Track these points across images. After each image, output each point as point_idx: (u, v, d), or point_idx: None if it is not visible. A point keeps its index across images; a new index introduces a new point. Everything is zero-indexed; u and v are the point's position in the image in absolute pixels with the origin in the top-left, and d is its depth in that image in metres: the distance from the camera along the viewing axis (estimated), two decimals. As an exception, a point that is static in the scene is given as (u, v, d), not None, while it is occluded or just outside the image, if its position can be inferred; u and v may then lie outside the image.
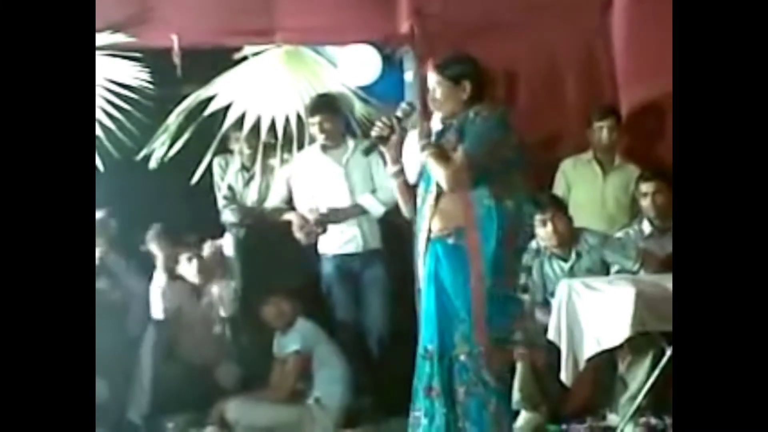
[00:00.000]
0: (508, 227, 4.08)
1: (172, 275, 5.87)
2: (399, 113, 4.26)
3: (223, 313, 5.86)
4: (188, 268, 5.89)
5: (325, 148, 5.71)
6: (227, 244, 6.02)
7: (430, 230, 4.16)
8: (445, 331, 4.11)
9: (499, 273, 4.07)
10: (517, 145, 4.20)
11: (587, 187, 5.73)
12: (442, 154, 4.11)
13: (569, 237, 5.24)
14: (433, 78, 4.22)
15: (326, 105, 5.74)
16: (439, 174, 4.09)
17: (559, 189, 5.78)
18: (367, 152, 4.47)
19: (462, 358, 4.10)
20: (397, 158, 4.27)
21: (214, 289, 5.92)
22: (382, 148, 4.29)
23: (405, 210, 4.40)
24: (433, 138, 4.19)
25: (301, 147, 5.90)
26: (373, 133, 4.27)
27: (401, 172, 4.27)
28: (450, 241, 4.11)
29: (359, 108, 6.09)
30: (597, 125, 5.75)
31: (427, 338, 4.18)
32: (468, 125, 4.10)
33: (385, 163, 4.40)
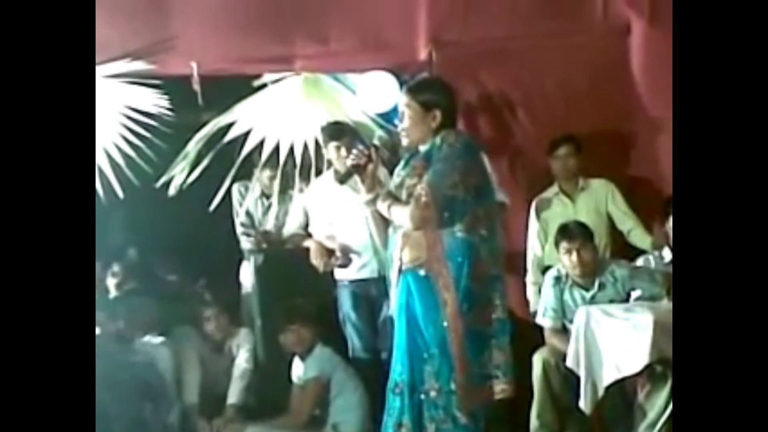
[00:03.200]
0: (481, 258, 4.05)
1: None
2: (376, 142, 4.27)
3: (245, 364, 5.84)
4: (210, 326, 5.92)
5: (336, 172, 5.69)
6: (245, 270, 6.03)
7: (401, 260, 4.13)
8: (415, 366, 4.08)
9: (473, 306, 4.04)
10: (486, 172, 4.20)
11: (560, 220, 5.53)
12: (398, 198, 4.10)
13: (594, 268, 5.19)
14: (403, 100, 4.21)
15: (341, 132, 5.73)
16: (402, 216, 4.07)
17: (533, 229, 5.74)
18: (342, 180, 4.46)
19: (432, 394, 4.07)
20: (372, 187, 4.26)
21: (235, 343, 5.92)
22: (357, 177, 4.27)
23: (377, 239, 4.40)
24: (398, 170, 4.17)
25: (319, 173, 5.90)
26: (349, 161, 4.28)
27: (374, 200, 4.24)
28: (421, 272, 4.07)
29: (378, 135, 6.09)
30: (556, 154, 5.70)
31: (397, 372, 4.16)
32: (435, 152, 4.07)
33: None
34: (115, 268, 6.36)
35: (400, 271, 4.17)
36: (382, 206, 4.20)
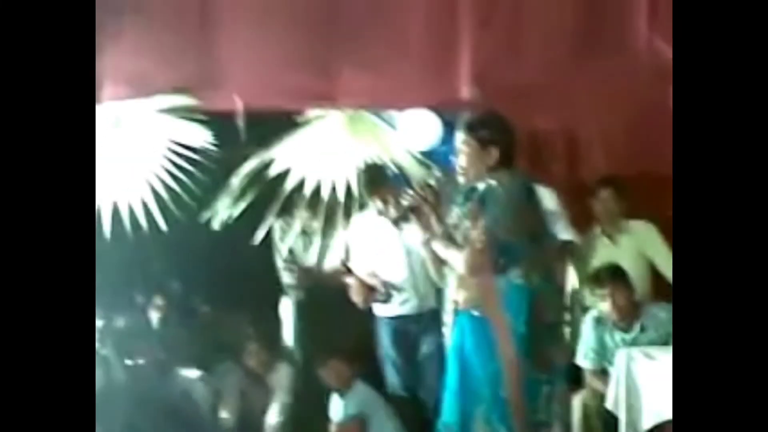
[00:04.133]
0: (539, 304, 3.98)
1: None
2: (431, 182, 4.23)
3: (284, 399, 5.85)
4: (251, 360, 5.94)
5: (382, 213, 5.70)
6: (286, 305, 6.05)
7: (456, 301, 4.10)
8: (467, 409, 4.02)
9: (531, 352, 3.96)
10: (542, 214, 4.14)
11: (602, 262, 5.48)
12: (453, 240, 4.05)
13: (630, 310, 5.14)
14: (460, 137, 4.17)
15: (378, 179, 5.73)
16: (457, 260, 4.02)
17: (579, 270, 5.66)
18: (397, 222, 4.43)
19: None
20: (428, 227, 4.17)
21: (275, 377, 5.94)
22: (413, 217, 4.25)
23: (436, 279, 4.35)
24: (455, 210, 4.12)
25: (361, 207, 5.91)
26: (405, 202, 4.24)
27: (430, 241, 4.18)
28: (476, 313, 4.02)
29: (435, 175, 6.07)
30: (599, 196, 5.66)
31: (447, 414, 4.09)
32: (490, 195, 4.00)
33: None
34: (158, 300, 6.43)
35: (455, 311, 4.15)
36: (437, 247, 4.16)
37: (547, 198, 5.31)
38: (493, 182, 4.05)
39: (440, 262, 4.22)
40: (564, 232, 5.44)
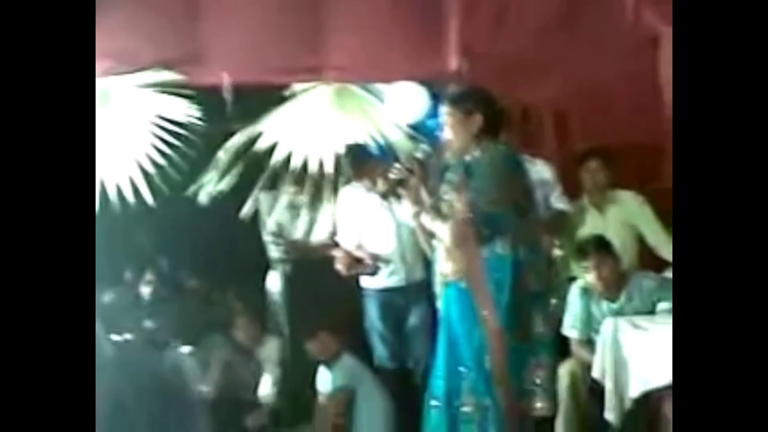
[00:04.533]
0: (523, 275, 4.01)
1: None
2: (419, 155, 4.25)
3: (269, 373, 5.87)
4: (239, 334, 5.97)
5: (369, 186, 5.69)
6: (273, 279, 6.06)
7: (444, 274, 4.13)
8: (452, 380, 4.07)
9: (514, 323, 4.00)
10: (529, 185, 4.16)
11: (590, 232, 5.47)
12: (439, 212, 4.08)
13: (616, 281, 5.14)
14: (444, 110, 4.20)
15: (360, 156, 5.74)
16: (442, 231, 4.05)
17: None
18: (385, 196, 4.45)
19: (467, 409, 4.05)
20: (417, 200, 4.21)
21: (263, 350, 5.96)
22: (402, 191, 4.26)
23: (426, 251, 4.39)
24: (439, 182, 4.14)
25: (347, 182, 5.91)
26: (392, 175, 4.26)
27: (419, 214, 4.21)
28: (462, 285, 4.05)
29: (421, 148, 6.08)
30: (586, 166, 5.66)
31: (435, 385, 4.15)
32: (475, 166, 4.04)
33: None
34: (146, 275, 6.43)
35: (443, 283, 4.17)
36: (426, 219, 4.18)
37: (542, 169, 5.36)
38: (477, 154, 4.05)
39: (430, 235, 4.25)
40: (558, 202, 5.48)
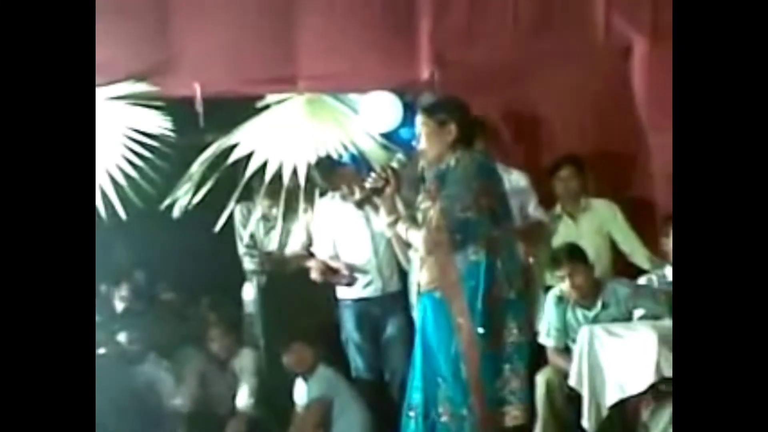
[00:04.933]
0: (496, 282, 4.02)
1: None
2: (394, 164, 4.26)
3: (245, 383, 5.84)
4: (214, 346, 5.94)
5: (344, 197, 5.68)
6: (248, 291, 6.04)
7: (419, 283, 4.13)
8: (429, 389, 4.07)
9: (488, 331, 4.00)
10: (504, 193, 4.17)
11: (563, 241, 5.51)
12: (414, 221, 4.09)
13: (590, 289, 5.17)
14: (419, 120, 4.20)
15: (331, 168, 5.74)
16: (416, 240, 4.06)
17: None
18: (360, 205, 4.44)
19: (444, 418, 4.05)
20: (392, 209, 4.22)
21: (238, 363, 5.93)
22: (377, 200, 4.26)
23: (402, 261, 4.40)
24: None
25: (323, 194, 5.90)
26: (367, 184, 4.25)
27: (394, 223, 4.21)
28: (437, 295, 4.06)
29: (397, 157, 6.08)
30: (559, 175, 5.69)
31: (412, 395, 4.15)
32: (449, 173, 4.05)
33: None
34: (120, 289, 6.39)
35: (419, 293, 4.16)
36: (401, 229, 4.18)
37: (518, 178, 5.38)
38: (452, 161, 4.06)
39: (406, 245, 4.25)
40: (535, 212, 5.50)
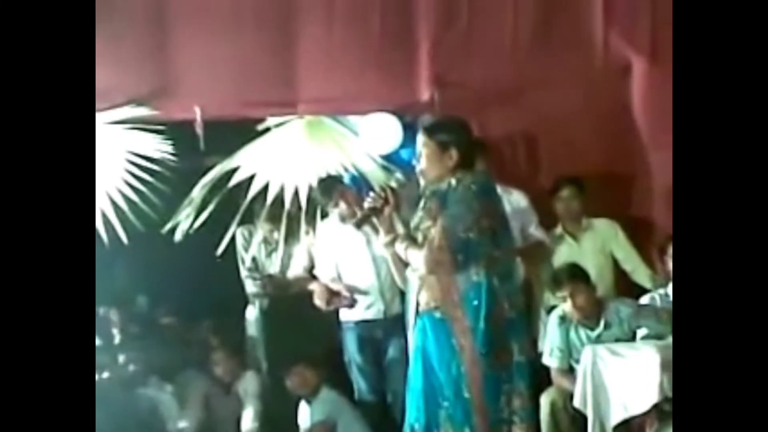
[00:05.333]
0: (498, 301, 4.01)
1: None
2: (393, 184, 4.26)
3: (250, 406, 5.83)
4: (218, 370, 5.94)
5: (344, 218, 5.67)
6: (251, 314, 6.03)
7: (418, 303, 4.12)
8: (431, 410, 4.05)
9: (490, 350, 3.99)
10: (504, 214, 4.17)
11: (565, 261, 5.51)
12: (414, 241, 4.09)
13: (592, 308, 5.16)
14: (420, 140, 4.20)
15: (332, 187, 5.74)
16: (417, 259, 4.05)
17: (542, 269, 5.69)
18: (359, 225, 4.43)
19: None
20: (390, 229, 4.22)
21: (242, 386, 5.92)
22: (375, 220, 4.26)
23: (399, 281, 4.38)
24: (416, 215, 4.16)
25: (324, 216, 5.89)
26: (366, 204, 4.26)
27: (393, 243, 4.21)
28: (437, 315, 4.05)
29: (396, 177, 6.07)
30: (559, 195, 5.70)
31: (413, 417, 4.12)
32: (450, 194, 4.04)
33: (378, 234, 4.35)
34: (121, 313, 6.37)
35: (417, 313, 4.15)
36: (399, 248, 4.17)
37: (519, 198, 5.39)
38: (453, 181, 4.07)
39: (403, 265, 4.24)
40: (536, 232, 5.50)
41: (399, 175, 4.42)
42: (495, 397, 4.05)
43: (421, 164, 4.18)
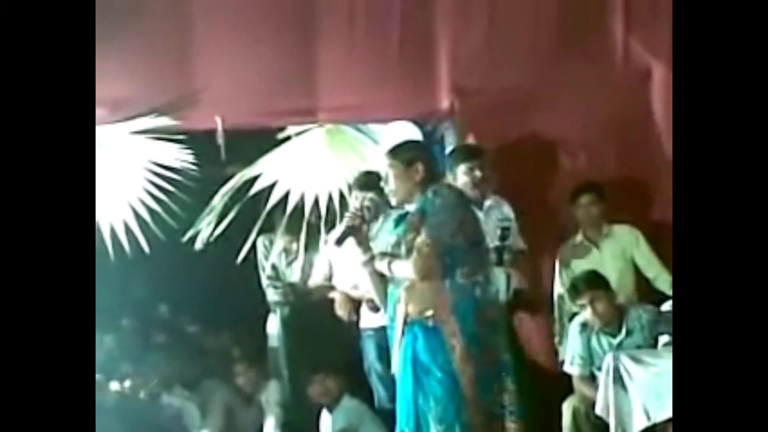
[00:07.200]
0: (482, 303, 4.15)
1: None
2: (367, 203, 4.32)
3: (272, 415, 5.83)
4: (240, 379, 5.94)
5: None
6: (272, 323, 6.05)
7: (407, 314, 4.16)
8: (421, 412, 4.13)
9: (480, 350, 4.11)
10: (479, 223, 4.33)
11: (586, 267, 5.51)
12: (396, 255, 4.20)
13: (613, 315, 5.16)
14: (385, 163, 4.31)
15: (371, 183, 5.73)
16: (405, 269, 4.14)
17: (559, 277, 5.70)
18: (339, 242, 4.46)
19: None
20: (368, 248, 4.33)
21: (264, 395, 5.93)
22: (352, 238, 4.32)
23: (377, 298, 4.44)
24: (389, 230, 4.31)
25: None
26: (345, 222, 4.32)
27: (371, 260, 4.30)
28: (429, 323, 4.13)
29: (369, 196, 6.04)
30: (580, 202, 5.68)
31: (403, 421, 4.22)
32: (429, 206, 4.16)
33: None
34: (144, 322, 6.42)
35: (405, 323, 4.19)
36: (381, 265, 4.27)
37: (509, 211, 5.40)
38: (429, 194, 4.19)
39: (381, 282, 4.30)
40: (518, 242, 5.48)
41: (372, 195, 4.49)
42: (487, 392, 4.15)
43: (389, 185, 4.31)
